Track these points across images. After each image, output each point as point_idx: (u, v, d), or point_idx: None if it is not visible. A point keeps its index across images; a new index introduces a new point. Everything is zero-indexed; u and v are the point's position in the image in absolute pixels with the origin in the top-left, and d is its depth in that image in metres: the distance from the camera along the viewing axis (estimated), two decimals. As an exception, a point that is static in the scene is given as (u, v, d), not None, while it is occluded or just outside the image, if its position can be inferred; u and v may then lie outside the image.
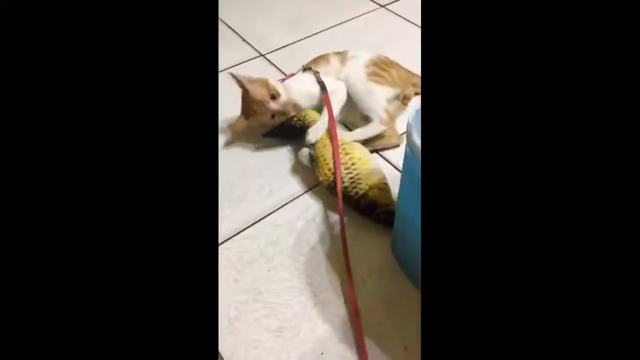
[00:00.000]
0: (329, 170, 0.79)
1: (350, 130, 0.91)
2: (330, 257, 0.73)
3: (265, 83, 0.88)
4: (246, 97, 0.87)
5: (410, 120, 0.54)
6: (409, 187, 0.61)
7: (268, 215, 0.80)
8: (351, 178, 0.77)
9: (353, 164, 0.79)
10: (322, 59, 0.96)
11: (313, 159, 0.83)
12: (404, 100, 0.92)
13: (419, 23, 1.25)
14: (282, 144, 0.92)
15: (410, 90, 0.93)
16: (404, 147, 0.57)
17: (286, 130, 0.89)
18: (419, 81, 0.95)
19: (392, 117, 0.89)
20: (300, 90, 0.90)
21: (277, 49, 1.19)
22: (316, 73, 0.91)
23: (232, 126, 0.92)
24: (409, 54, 1.03)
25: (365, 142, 0.87)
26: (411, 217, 0.62)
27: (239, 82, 0.86)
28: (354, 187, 0.76)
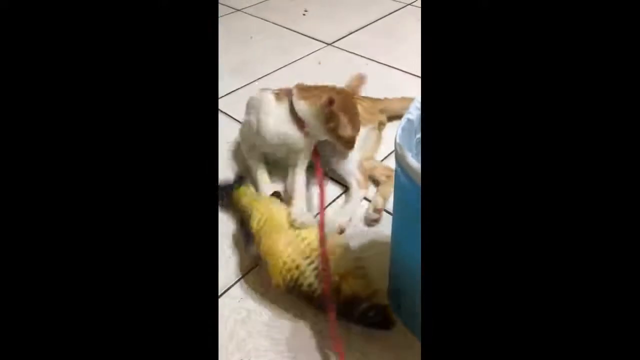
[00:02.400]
0: (284, 264, 0.57)
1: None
2: (318, 331, 0.57)
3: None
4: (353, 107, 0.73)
5: (398, 140, 0.43)
6: (405, 222, 0.49)
7: (232, 286, 0.64)
8: (315, 269, 0.56)
9: (313, 249, 0.58)
10: None
11: (258, 260, 0.62)
12: (380, 126, 0.86)
13: (367, 55, 1.22)
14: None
15: (381, 117, 0.87)
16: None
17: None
18: (384, 105, 0.91)
19: (366, 177, 0.78)
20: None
21: (225, 95, 1.10)
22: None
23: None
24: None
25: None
26: (411, 259, 0.49)
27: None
28: (321, 281, 0.56)
